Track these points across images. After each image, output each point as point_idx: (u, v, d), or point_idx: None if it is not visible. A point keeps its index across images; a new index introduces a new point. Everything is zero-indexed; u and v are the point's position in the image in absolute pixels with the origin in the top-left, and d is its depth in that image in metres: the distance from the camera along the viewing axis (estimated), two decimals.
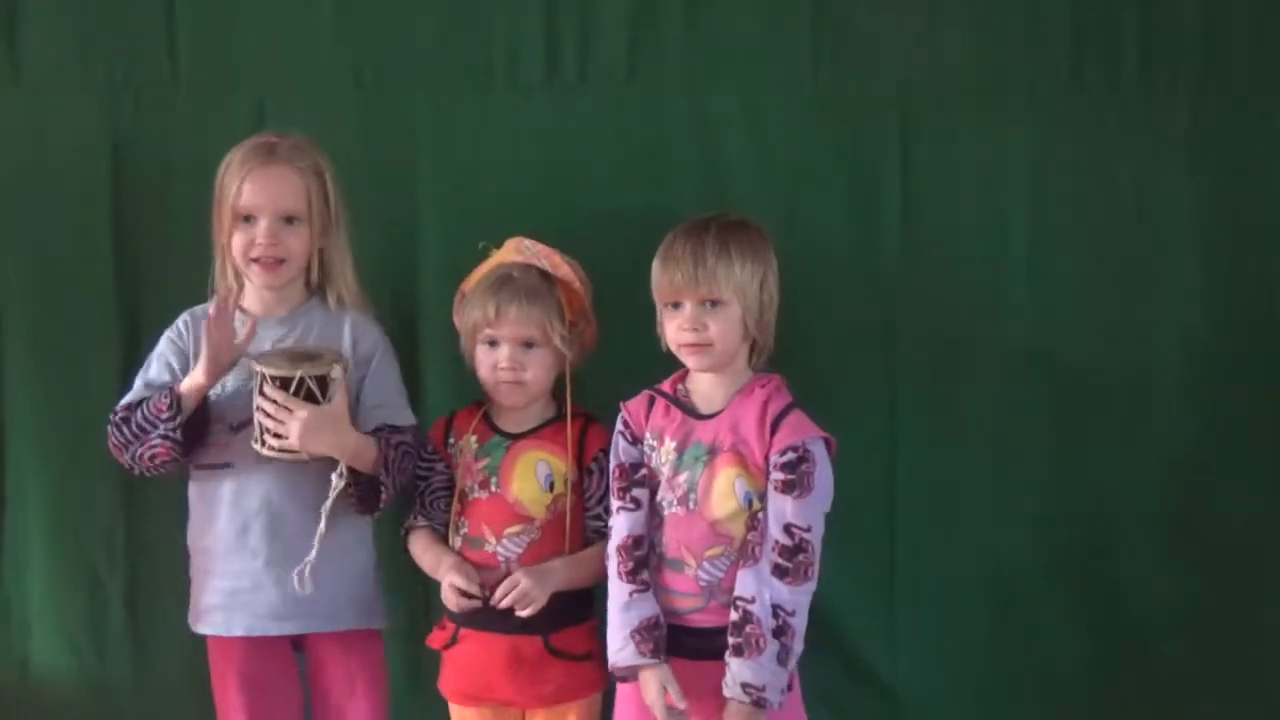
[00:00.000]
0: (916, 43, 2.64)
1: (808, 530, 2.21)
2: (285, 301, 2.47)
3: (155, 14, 2.65)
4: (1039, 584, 2.69)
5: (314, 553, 2.34)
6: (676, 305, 2.30)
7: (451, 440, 2.48)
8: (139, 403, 2.39)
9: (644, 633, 2.25)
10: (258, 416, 2.32)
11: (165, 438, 2.34)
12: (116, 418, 2.40)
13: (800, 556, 2.20)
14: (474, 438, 2.45)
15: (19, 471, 2.73)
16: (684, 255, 2.27)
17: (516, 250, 2.45)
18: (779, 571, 2.20)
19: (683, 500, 2.29)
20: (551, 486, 2.42)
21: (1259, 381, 2.65)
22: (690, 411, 2.33)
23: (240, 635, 2.42)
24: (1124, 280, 2.65)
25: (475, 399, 2.50)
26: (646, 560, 2.31)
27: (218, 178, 2.42)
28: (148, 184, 2.67)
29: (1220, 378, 2.65)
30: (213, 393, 2.39)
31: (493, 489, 2.42)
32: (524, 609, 2.32)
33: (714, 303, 2.27)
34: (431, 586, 2.46)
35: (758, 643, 2.17)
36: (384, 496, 2.37)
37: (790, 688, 2.24)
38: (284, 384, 2.30)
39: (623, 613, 2.27)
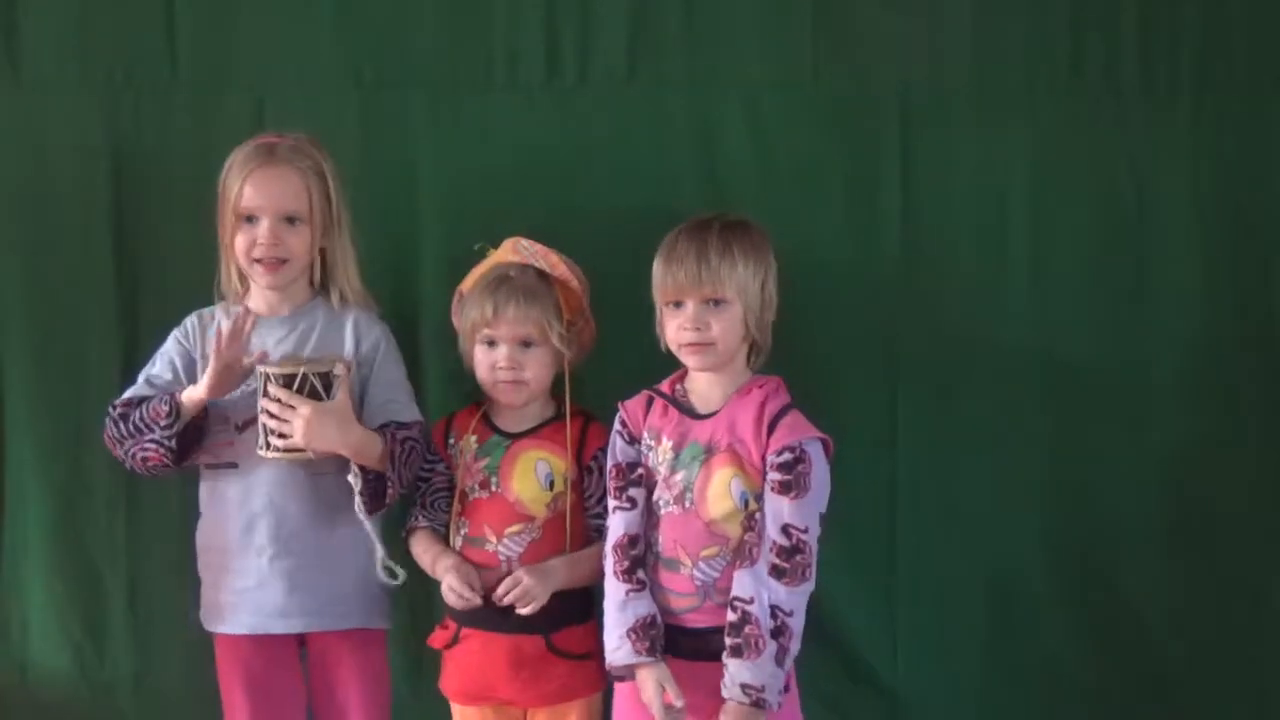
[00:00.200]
0: (916, 43, 2.64)
1: (805, 531, 2.21)
2: (289, 301, 2.48)
3: (155, 14, 2.65)
4: (1039, 584, 2.69)
5: (379, 550, 2.37)
6: (678, 304, 2.30)
7: (452, 441, 2.48)
8: (139, 400, 2.40)
9: (640, 631, 2.25)
10: (262, 419, 2.33)
11: (159, 444, 2.35)
12: (115, 412, 2.41)
13: (798, 557, 2.20)
14: (474, 438, 2.46)
15: (19, 471, 2.73)
16: (687, 254, 2.27)
17: (513, 250, 2.45)
18: (776, 572, 2.20)
19: (679, 500, 2.29)
20: (551, 485, 2.42)
21: (1258, 381, 2.65)
22: (688, 411, 2.33)
23: (245, 633, 2.43)
24: (1124, 280, 2.65)
25: (474, 399, 2.50)
26: (643, 559, 2.31)
27: (220, 179, 2.42)
28: (148, 184, 2.67)
29: (1220, 378, 2.65)
30: None
31: (493, 488, 2.42)
32: (525, 607, 2.32)
33: (716, 302, 2.27)
34: (433, 586, 2.46)
35: (756, 643, 2.17)
36: (391, 492, 2.37)
37: (788, 689, 2.24)
38: (288, 382, 2.31)
39: (619, 612, 2.27)
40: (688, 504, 2.28)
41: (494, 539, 2.40)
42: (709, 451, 2.28)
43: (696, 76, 2.65)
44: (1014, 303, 2.66)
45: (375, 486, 2.36)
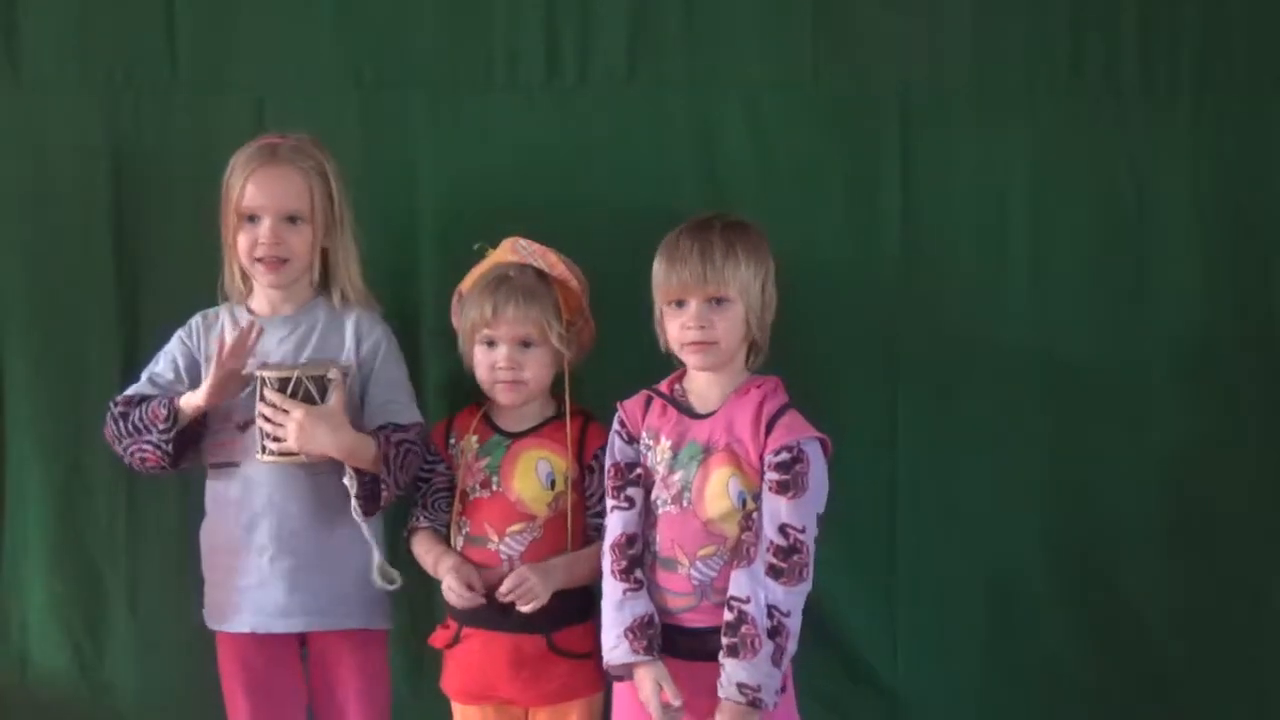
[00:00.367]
0: (916, 43, 2.64)
1: (802, 531, 2.20)
2: (291, 300, 2.48)
3: (155, 14, 2.65)
4: (1039, 584, 2.68)
5: (377, 554, 2.38)
6: (680, 304, 2.30)
7: (452, 441, 2.49)
8: (140, 400, 2.42)
9: (637, 631, 2.25)
10: (258, 422, 2.35)
11: (156, 446, 2.38)
12: (116, 409, 2.43)
13: (795, 557, 2.20)
14: (474, 438, 2.46)
15: (19, 471, 2.73)
16: (691, 253, 2.27)
17: (512, 250, 2.45)
18: (774, 572, 2.20)
19: (677, 499, 2.29)
20: (552, 484, 2.42)
21: (1258, 381, 2.65)
22: (686, 411, 2.34)
23: (246, 632, 2.44)
24: (1124, 280, 2.65)
25: (474, 399, 2.51)
26: (640, 559, 2.31)
27: (224, 179, 2.43)
28: (148, 184, 2.67)
29: (1220, 378, 2.65)
30: None
31: (494, 488, 2.43)
32: (526, 605, 2.33)
33: (719, 301, 2.27)
34: (433, 586, 2.46)
35: (753, 643, 2.17)
36: (385, 495, 2.38)
37: (784, 689, 2.24)
38: (282, 386, 2.33)
39: (616, 611, 2.27)
40: (685, 503, 2.28)
41: (495, 538, 2.40)
42: (707, 451, 2.28)
43: (696, 76, 2.65)
44: (1014, 303, 2.66)
45: (370, 489, 2.37)
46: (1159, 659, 2.69)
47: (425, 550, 2.45)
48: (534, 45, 2.65)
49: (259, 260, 2.42)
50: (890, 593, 2.69)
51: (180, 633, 2.64)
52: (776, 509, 2.21)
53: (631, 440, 2.37)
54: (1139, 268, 2.65)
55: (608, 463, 2.37)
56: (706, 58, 2.65)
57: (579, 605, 2.41)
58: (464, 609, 2.39)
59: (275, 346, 2.44)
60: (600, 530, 2.39)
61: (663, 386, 2.38)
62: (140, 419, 2.39)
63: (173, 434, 2.36)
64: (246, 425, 2.40)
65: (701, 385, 2.35)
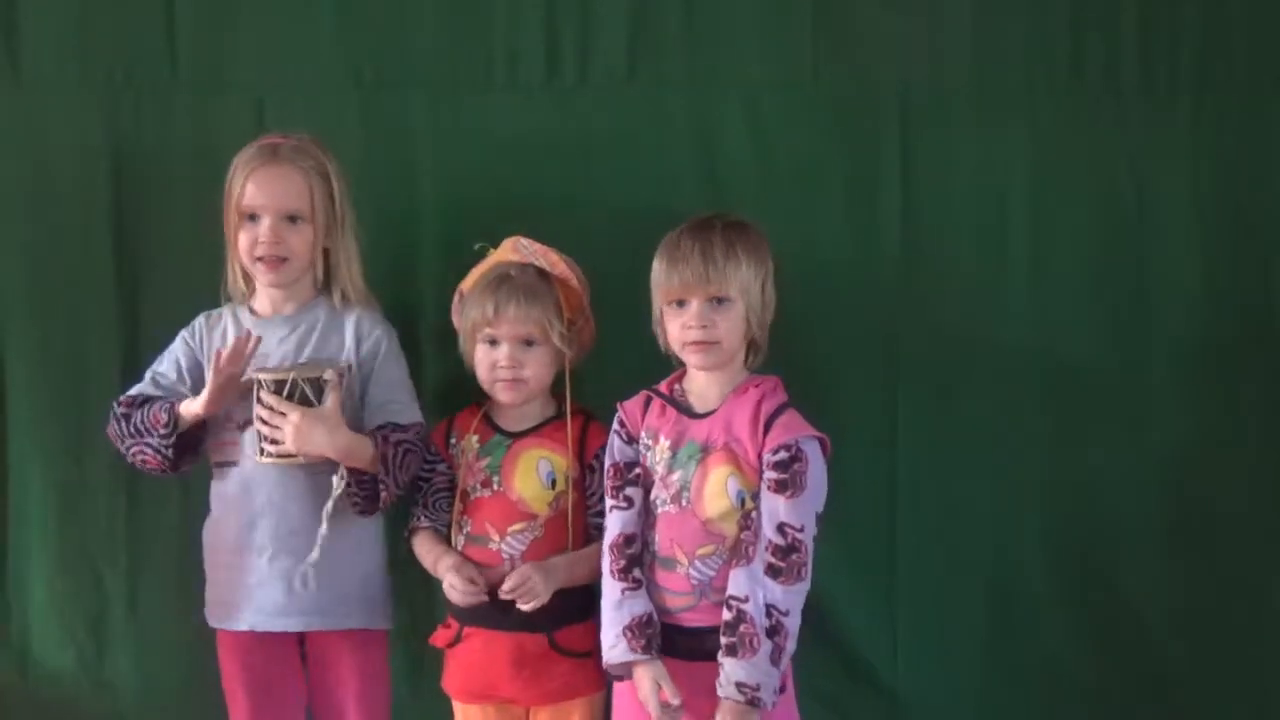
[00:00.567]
0: (916, 43, 2.64)
1: (801, 530, 2.20)
2: (292, 300, 2.49)
3: (155, 14, 2.65)
4: (1039, 584, 2.68)
5: (315, 553, 2.37)
6: (682, 303, 2.30)
7: (453, 441, 2.49)
8: (143, 400, 2.44)
9: (636, 630, 2.25)
10: (256, 425, 2.36)
11: (156, 450, 2.40)
12: (119, 410, 2.44)
13: (794, 556, 2.20)
14: (475, 437, 2.46)
15: (21, 471, 2.73)
16: (693, 253, 2.27)
17: (514, 249, 2.45)
18: (772, 571, 2.20)
19: (676, 498, 2.29)
20: (553, 484, 2.43)
21: (1258, 382, 2.65)
22: (685, 410, 2.34)
23: (245, 630, 2.44)
24: (1124, 280, 2.65)
25: (475, 399, 2.51)
26: (639, 558, 2.31)
27: (226, 179, 2.43)
28: (148, 184, 2.67)
29: (1219, 378, 2.65)
30: None
31: (495, 487, 2.43)
32: (527, 603, 2.33)
33: (721, 300, 2.28)
34: (434, 586, 2.47)
35: (751, 642, 2.17)
36: (384, 495, 2.38)
37: (784, 689, 2.24)
38: (279, 388, 2.34)
39: (615, 610, 2.28)
40: (684, 503, 2.28)
41: (497, 537, 2.41)
42: (705, 450, 2.29)
43: (696, 76, 2.65)
44: (1014, 303, 2.66)
45: (369, 489, 2.37)
46: (1159, 659, 2.69)
47: (426, 550, 2.46)
48: (534, 45, 2.65)
49: (259, 259, 2.42)
50: (890, 593, 2.69)
51: (180, 632, 2.64)
52: (775, 508, 2.21)
53: (631, 440, 2.37)
54: (1139, 268, 2.65)
55: (607, 463, 2.37)
56: (706, 58, 2.64)
57: (580, 604, 2.40)
58: (465, 608, 2.39)
59: (275, 346, 2.45)
60: (601, 530, 2.39)
61: (662, 387, 2.38)
62: (142, 421, 2.40)
63: (173, 439, 2.38)
64: (246, 425, 2.41)
65: (700, 385, 2.35)
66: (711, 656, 2.21)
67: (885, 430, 2.67)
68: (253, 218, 2.42)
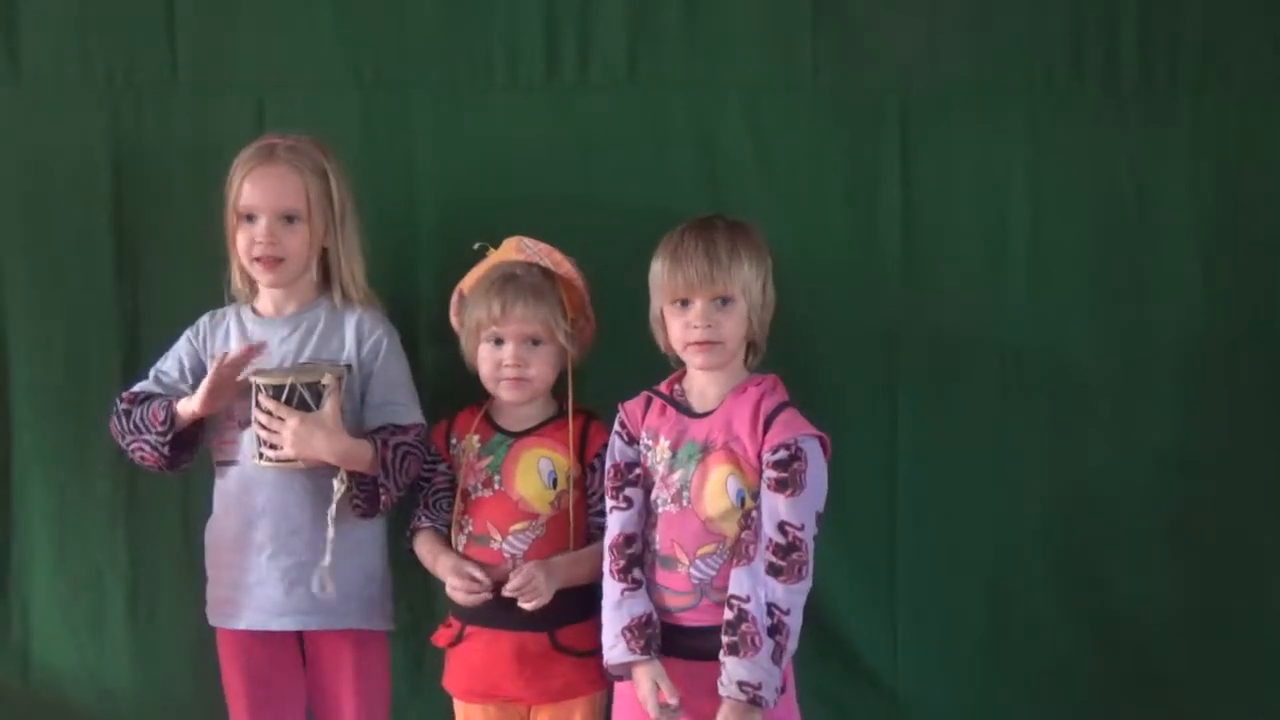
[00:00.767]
0: (916, 43, 2.64)
1: (801, 529, 2.21)
2: (294, 300, 2.49)
3: (155, 14, 2.65)
4: (1039, 584, 2.68)
5: (327, 558, 2.37)
6: (684, 303, 2.30)
7: (454, 441, 2.49)
8: (144, 398, 2.45)
9: (635, 630, 2.25)
10: (255, 429, 2.36)
11: (153, 448, 2.41)
12: (120, 406, 2.46)
13: (794, 555, 2.20)
14: (476, 437, 2.46)
15: (23, 472, 2.73)
16: (696, 252, 2.27)
17: (517, 249, 2.45)
18: (773, 570, 2.20)
19: (676, 498, 2.29)
20: (555, 483, 2.43)
21: (1258, 382, 2.65)
22: (685, 410, 2.34)
23: (245, 629, 2.45)
24: (1124, 280, 2.65)
25: (475, 399, 2.50)
26: (639, 558, 2.31)
27: (227, 180, 2.44)
28: (148, 184, 2.67)
29: (1219, 378, 2.65)
30: None
31: (496, 487, 2.43)
32: (529, 602, 2.33)
33: (724, 300, 2.28)
34: (434, 586, 2.47)
35: (753, 641, 2.17)
36: (385, 498, 2.38)
37: (784, 688, 2.24)
38: (277, 393, 2.34)
39: (614, 610, 2.28)
40: (685, 502, 2.28)
41: (499, 537, 2.41)
42: (705, 450, 2.29)
43: (696, 76, 2.65)
44: (1014, 303, 2.66)
45: (369, 492, 2.37)
46: (1159, 659, 2.69)
47: (427, 550, 2.46)
48: (534, 45, 2.65)
49: (256, 260, 2.43)
50: (890, 593, 2.69)
51: (181, 632, 2.65)
52: (775, 507, 2.21)
53: (632, 441, 2.37)
54: (1139, 268, 2.65)
55: (607, 463, 2.37)
56: (706, 58, 2.64)
57: (583, 603, 2.40)
58: (468, 607, 2.39)
59: (277, 346, 2.45)
60: (602, 529, 2.39)
61: (663, 387, 2.38)
62: (141, 418, 2.42)
63: (169, 437, 2.39)
64: (247, 424, 2.41)
65: (700, 384, 2.35)
66: (712, 656, 2.21)
67: (885, 430, 2.66)
68: (250, 218, 2.42)
